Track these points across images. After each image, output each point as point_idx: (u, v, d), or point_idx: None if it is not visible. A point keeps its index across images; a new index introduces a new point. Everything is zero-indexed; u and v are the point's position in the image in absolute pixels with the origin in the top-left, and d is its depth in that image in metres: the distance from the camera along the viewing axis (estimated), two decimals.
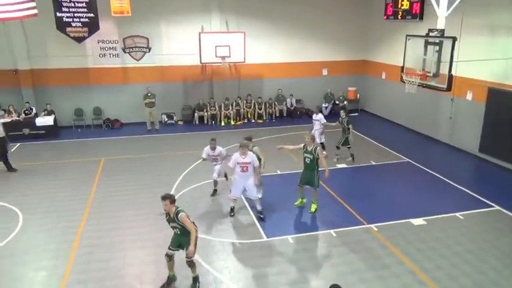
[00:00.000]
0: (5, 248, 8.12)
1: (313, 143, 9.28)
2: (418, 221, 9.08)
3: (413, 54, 11.40)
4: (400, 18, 15.97)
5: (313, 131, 12.63)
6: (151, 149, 14.35)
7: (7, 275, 7.32)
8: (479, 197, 10.40)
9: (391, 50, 17.18)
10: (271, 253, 7.98)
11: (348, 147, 12.68)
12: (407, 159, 13.16)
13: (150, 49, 17.15)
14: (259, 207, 9.27)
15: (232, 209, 9.42)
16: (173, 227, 6.66)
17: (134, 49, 17.05)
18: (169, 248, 6.80)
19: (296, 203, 9.83)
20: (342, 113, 12.63)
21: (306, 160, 9.26)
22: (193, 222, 6.64)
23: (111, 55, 16.89)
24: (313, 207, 9.52)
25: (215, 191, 10.44)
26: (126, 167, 12.53)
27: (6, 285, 7.05)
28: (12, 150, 13.35)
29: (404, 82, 11.73)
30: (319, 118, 13.01)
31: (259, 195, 9.40)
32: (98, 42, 16.52)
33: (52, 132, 15.47)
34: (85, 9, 13.59)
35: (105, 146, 14.71)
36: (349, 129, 12.36)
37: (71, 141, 15.30)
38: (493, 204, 9.97)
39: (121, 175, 11.87)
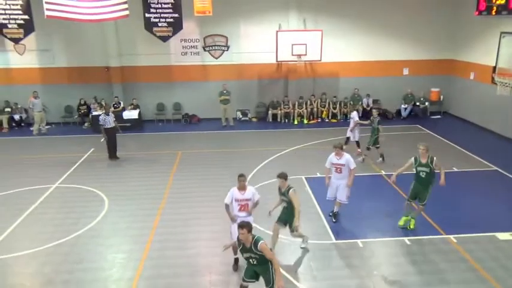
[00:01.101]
0: (91, 230, 8.91)
1: (427, 154, 8.15)
2: (505, 236, 8.29)
3: (508, 53, 10.43)
4: (494, 13, 14.61)
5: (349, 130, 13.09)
6: (225, 144, 14.80)
7: (91, 254, 8.03)
8: None
9: (482, 48, 15.82)
10: (339, 256, 7.83)
11: (377, 147, 12.48)
12: (496, 168, 12.06)
13: (228, 47, 17.65)
14: (336, 210, 9.05)
15: (334, 214, 9.04)
16: (248, 258, 5.87)
17: (214, 47, 17.67)
18: (243, 280, 6.13)
19: (400, 223, 8.69)
20: (375, 112, 12.60)
21: (421, 174, 8.19)
22: (271, 249, 6.19)
23: (192, 53, 17.68)
24: (413, 223, 8.66)
25: (236, 263, 7.57)
26: (201, 160, 13.07)
27: (89, 264, 7.73)
28: (101, 140, 14.57)
29: (496, 84, 10.79)
30: (353, 116, 13.15)
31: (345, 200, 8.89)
32: (181, 41, 17.37)
33: (137, 125, 16.62)
34: (170, 10, 14.35)
35: (182, 140, 15.49)
36: (378, 129, 12.30)
37: (152, 134, 16.33)
38: None
39: (196, 168, 12.40)
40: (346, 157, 8.61)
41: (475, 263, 7.47)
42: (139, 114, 17.09)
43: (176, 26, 14.59)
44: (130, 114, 16.78)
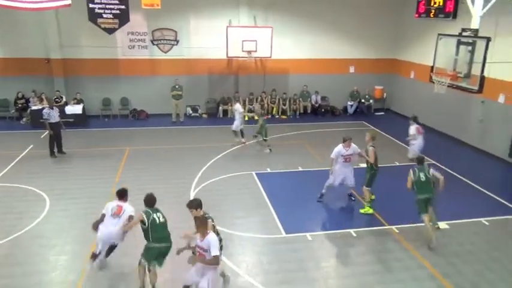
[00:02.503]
0: (32, 231, 8.42)
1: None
2: (442, 225, 8.87)
3: (445, 54, 11.08)
4: (432, 16, 15.53)
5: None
6: (175, 140, 14.55)
7: (32, 256, 7.59)
8: (506, 203, 10.08)
9: (421, 49, 16.77)
10: (289, 249, 7.98)
11: (265, 140, 13.43)
12: (434, 162, 12.84)
13: (178, 42, 17.34)
14: (350, 191, 9.89)
15: (321, 195, 9.83)
16: None
17: (162, 41, 17.27)
18: None
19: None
20: (257, 106, 14.14)
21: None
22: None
23: (140, 47, 17.16)
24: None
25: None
26: (150, 157, 12.75)
27: (31, 267, 7.31)
28: (42, 136, 13.80)
29: (433, 82, 11.44)
30: (236, 108, 13.88)
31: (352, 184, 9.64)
32: (128, 34, 16.80)
33: (80, 121, 15.87)
34: (116, 1, 13.82)
35: (130, 136, 15.02)
36: (262, 124, 13.29)
37: (98, 130, 15.68)
38: None
39: (144, 165, 12.09)
40: (353, 147, 9.34)
41: (415, 251, 7.92)
42: (84, 109, 16.35)
43: (122, 18, 14.11)
44: (74, 109, 16.00)
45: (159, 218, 6.47)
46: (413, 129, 12.47)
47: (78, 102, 16.43)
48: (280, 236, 8.45)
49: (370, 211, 9.38)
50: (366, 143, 9.42)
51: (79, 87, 16.82)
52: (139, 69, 17.26)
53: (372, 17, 18.30)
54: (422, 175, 8.20)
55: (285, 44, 17.67)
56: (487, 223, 9.09)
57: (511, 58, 11.73)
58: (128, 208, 6.99)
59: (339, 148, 9.33)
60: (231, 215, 9.26)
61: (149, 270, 6.51)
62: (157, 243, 6.39)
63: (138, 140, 14.49)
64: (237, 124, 13.68)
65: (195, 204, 6.22)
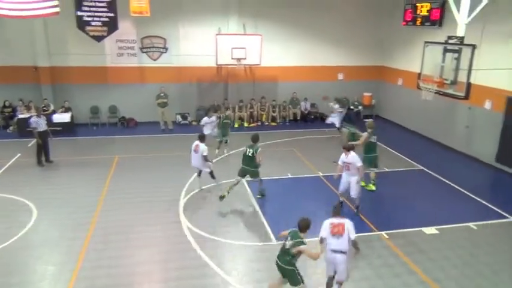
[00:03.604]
0: (18, 241, 8.27)
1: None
2: (431, 230, 8.94)
3: (431, 61, 11.27)
4: (419, 24, 15.79)
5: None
6: (164, 148, 14.47)
7: (20, 267, 7.45)
8: (493, 207, 10.21)
9: (408, 56, 17.01)
10: None
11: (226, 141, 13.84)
12: (422, 167, 12.99)
13: (167, 49, 17.32)
14: (357, 203, 9.72)
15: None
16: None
17: (151, 49, 17.24)
18: None
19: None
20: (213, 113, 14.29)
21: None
22: None
23: (129, 54, 17.11)
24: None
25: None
26: (139, 165, 12.65)
27: (18, 277, 7.17)
28: (29, 145, 13.63)
29: (421, 89, 11.60)
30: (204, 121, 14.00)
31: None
32: (116, 42, 16.75)
33: (68, 129, 15.70)
34: (105, 9, 13.77)
35: (119, 144, 14.91)
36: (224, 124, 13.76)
37: (86, 139, 15.53)
38: (507, 215, 9.77)
39: (133, 173, 11.99)
40: (351, 155, 9.35)
41: (405, 257, 7.96)
42: (72, 117, 16.19)
43: (111, 25, 14.04)
44: (62, 117, 15.83)
45: None
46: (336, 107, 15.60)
47: (66, 110, 16.27)
48: (271, 243, 8.42)
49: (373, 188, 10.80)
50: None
51: (67, 95, 16.68)
52: (128, 77, 17.18)
53: (359, 25, 18.53)
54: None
55: (275, 52, 17.77)
56: (475, 227, 9.19)
57: (497, 65, 11.94)
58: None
59: (342, 155, 9.55)
60: (221, 222, 9.22)
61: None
62: None
63: (127, 148, 14.37)
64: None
65: None
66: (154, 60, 17.34)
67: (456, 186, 11.50)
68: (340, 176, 9.61)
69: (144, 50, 17.18)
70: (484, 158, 13.42)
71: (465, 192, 11.15)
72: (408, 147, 14.78)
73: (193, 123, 17.96)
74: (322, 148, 14.32)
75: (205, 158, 10.45)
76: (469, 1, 10.28)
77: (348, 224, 6.42)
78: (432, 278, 7.32)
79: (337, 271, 6.45)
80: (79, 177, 11.61)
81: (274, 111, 18.30)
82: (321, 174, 12.13)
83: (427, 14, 15.33)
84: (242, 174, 10.10)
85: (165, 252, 7.95)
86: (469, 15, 10.44)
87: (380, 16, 18.62)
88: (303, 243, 6.00)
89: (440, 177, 12.12)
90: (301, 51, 18.37)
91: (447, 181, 11.86)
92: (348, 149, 9.43)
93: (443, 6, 14.48)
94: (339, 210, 6.66)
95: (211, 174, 10.74)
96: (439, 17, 14.77)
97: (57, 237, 8.49)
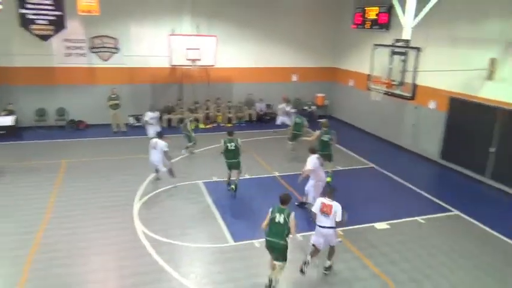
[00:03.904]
0: None
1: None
2: (382, 225, 9.30)
3: (380, 63, 11.73)
4: (368, 27, 16.41)
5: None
6: (117, 151, 14.02)
7: None
8: (439, 201, 10.79)
9: (358, 58, 17.61)
10: (237, 258, 7.95)
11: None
12: (372, 165, 13.48)
13: (118, 50, 16.81)
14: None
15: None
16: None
17: (102, 49, 16.66)
18: None
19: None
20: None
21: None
22: None
23: (78, 54, 16.41)
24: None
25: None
26: (90, 169, 12.17)
27: None
28: None
29: (370, 90, 12.03)
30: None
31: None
32: (64, 41, 16.02)
33: (12, 133, 14.83)
34: (51, 7, 13.20)
35: (68, 148, 14.24)
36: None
37: (32, 143, 14.70)
38: (452, 209, 10.37)
39: (84, 178, 11.52)
40: (309, 157, 9.63)
41: (358, 252, 8.23)
42: (16, 120, 15.29)
43: (58, 24, 13.51)
44: (3, 120, 14.92)
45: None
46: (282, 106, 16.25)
47: (10, 113, 15.35)
48: (229, 244, 8.40)
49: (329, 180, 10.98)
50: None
51: (11, 98, 15.73)
52: (78, 78, 16.49)
53: (312, 28, 18.95)
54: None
55: (229, 53, 17.77)
56: (423, 221, 9.67)
57: (440, 67, 12.64)
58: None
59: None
60: (178, 225, 9.08)
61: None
62: None
63: (77, 152, 13.77)
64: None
65: None
66: (105, 60, 16.77)
67: (405, 183, 12.04)
68: (304, 179, 9.82)
69: (94, 50, 16.57)
70: (430, 155, 14.16)
71: (413, 188, 11.70)
72: (359, 146, 15.29)
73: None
74: (278, 148, 14.48)
75: (166, 154, 10.53)
76: (414, 6, 10.81)
77: (336, 207, 7.26)
78: (384, 271, 7.62)
79: (326, 240, 7.36)
80: (25, 184, 10.99)
81: (229, 112, 18.28)
82: (277, 174, 12.28)
83: (375, 17, 15.97)
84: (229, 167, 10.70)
85: (119, 259, 7.71)
86: (414, 20, 10.97)
87: (332, 19, 19.15)
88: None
89: (390, 174, 12.65)
90: (256, 52, 18.49)
91: (396, 178, 12.40)
92: (311, 151, 9.78)
93: (390, 11, 15.15)
94: (330, 193, 7.51)
95: (171, 171, 10.71)
96: (386, 20, 15.44)
97: (1, 248, 7.98)
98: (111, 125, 16.37)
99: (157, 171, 10.91)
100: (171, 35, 16.29)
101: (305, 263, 7.19)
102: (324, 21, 19.11)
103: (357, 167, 13.36)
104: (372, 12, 16.12)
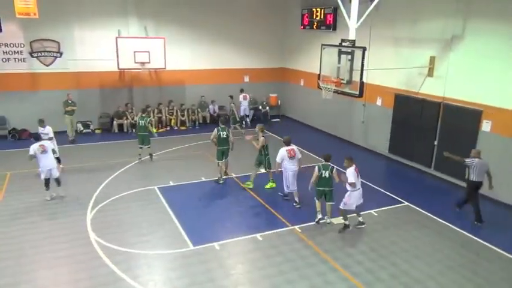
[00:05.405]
0: None
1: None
2: (338, 220, 9.56)
3: (329, 62, 12.03)
4: (315, 28, 16.82)
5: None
6: (66, 160, 13.34)
7: None
8: (390, 194, 11.28)
9: (308, 58, 18.00)
10: (198, 262, 7.86)
11: (148, 147, 13.38)
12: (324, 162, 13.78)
13: (61, 54, 16.06)
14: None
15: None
16: None
17: (43, 53, 15.84)
18: None
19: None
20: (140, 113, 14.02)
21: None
22: None
23: (17, 60, 15.51)
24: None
25: None
26: (36, 181, 11.50)
27: None
28: None
29: (321, 89, 12.33)
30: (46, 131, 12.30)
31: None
32: (1, 46, 15.08)
33: None
34: None
35: (11, 159, 13.42)
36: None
37: None
38: (402, 200, 10.87)
39: (30, 190, 10.90)
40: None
41: (317, 247, 8.41)
42: None
43: None
44: None
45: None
46: (241, 97, 17.84)
47: None
48: (188, 249, 8.29)
49: (251, 186, 11.30)
50: (257, 133, 11.38)
51: None
52: (18, 84, 15.57)
53: (261, 29, 19.15)
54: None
55: (180, 55, 17.55)
56: (376, 214, 10.06)
57: (385, 65, 13.22)
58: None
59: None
60: (135, 233, 8.83)
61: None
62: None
63: (21, 163, 12.94)
64: None
65: None
66: (47, 65, 15.97)
67: None
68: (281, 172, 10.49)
69: (35, 55, 15.73)
70: (379, 149, 14.76)
71: (365, 182, 12.09)
72: (312, 144, 15.60)
73: (97, 131, 16.93)
74: (234, 149, 14.41)
75: (50, 139, 11.33)
76: (356, 8, 11.21)
77: (295, 148, 10.17)
78: (342, 265, 7.84)
79: (291, 183, 10.21)
80: None
81: (183, 115, 18.04)
82: (234, 176, 12.27)
83: (322, 18, 16.40)
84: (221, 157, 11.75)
85: (73, 272, 7.36)
86: (358, 21, 11.37)
87: (280, 20, 19.45)
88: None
89: (342, 170, 12.98)
90: (207, 54, 18.39)
91: None
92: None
93: (336, 12, 15.63)
94: (288, 141, 10.26)
95: (58, 179, 10.41)
96: (332, 21, 15.90)
97: None
98: (65, 132, 15.46)
99: (48, 180, 10.19)
100: (117, 37, 15.80)
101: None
102: (273, 22, 19.38)
103: (310, 165, 13.53)
104: (319, 14, 16.54)
